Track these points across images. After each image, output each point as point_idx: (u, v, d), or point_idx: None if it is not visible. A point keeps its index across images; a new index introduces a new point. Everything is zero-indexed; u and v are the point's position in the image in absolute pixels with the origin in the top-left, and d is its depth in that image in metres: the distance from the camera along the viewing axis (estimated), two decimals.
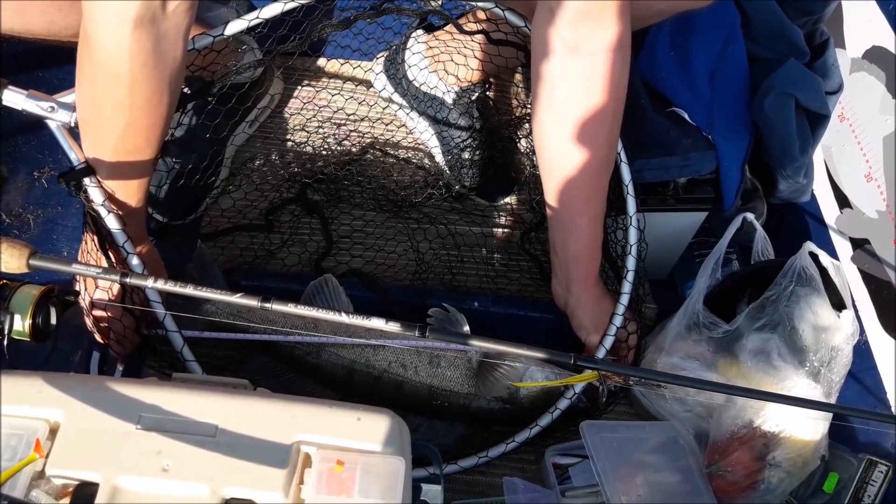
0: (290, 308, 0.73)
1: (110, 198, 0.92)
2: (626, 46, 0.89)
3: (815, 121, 1.13)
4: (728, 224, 1.08)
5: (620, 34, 0.87)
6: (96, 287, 0.97)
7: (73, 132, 0.91)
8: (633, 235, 1.07)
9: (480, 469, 1.06)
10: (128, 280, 0.72)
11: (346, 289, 1.11)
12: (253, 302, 0.72)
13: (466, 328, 1.10)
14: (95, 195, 0.90)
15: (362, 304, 1.11)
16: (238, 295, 0.72)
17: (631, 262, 1.07)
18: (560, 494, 1.02)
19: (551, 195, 1.02)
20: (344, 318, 0.75)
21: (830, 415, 1.01)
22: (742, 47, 1.10)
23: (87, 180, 0.90)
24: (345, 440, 0.71)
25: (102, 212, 0.90)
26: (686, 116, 1.10)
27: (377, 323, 0.75)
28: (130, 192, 0.93)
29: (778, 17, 1.11)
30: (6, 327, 0.76)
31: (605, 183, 1.01)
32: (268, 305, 0.72)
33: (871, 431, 1.04)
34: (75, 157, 0.91)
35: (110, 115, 0.86)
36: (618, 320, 1.07)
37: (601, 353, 1.07)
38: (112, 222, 0.91)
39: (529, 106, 1.26)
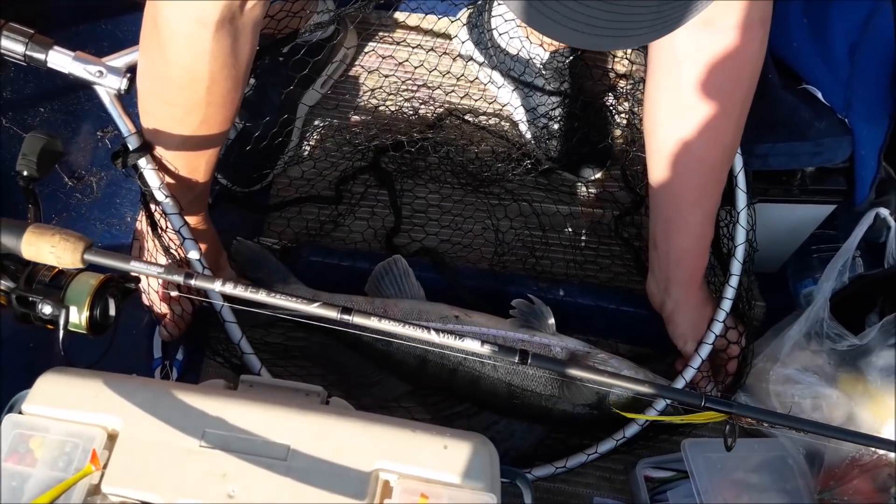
0: (373, 322, 0.64)
1: (171, 175, 0.85)
2: (768, 22, 0.76)
3: None
4: (857, 219, 0.95)
5: (764, 7, 0.73)
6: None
7: (123, 99, 0.83)
8: (740, 234, 0.94)
9: (563, 477, 0.98)
10: (192, 282, 0.64)
11: (416, 269, 1.04)
12: (332, 313, 0.63)
13: (551, 321, 1.00)
14: (151, 178, 0.83)
15: (433, 288, 1.04)
16: (316, 304, 0.63)
17: (736, 266, 0.95)
18: None
19: (659, 184, 0.91)
20: (433, 336, 0.66)
21: None
22: (889, 17, 0.93)
23: (142, 162, 0.82)
24: (429, 470, 0.64)
25: (159, 195, 0.83)
26: (819, 96, 0.95)
27: (471, 345, 0.66)
28: (196, 177, 0.87)
29: None
30: (62, 321, 0.69)
31: (724, 176, 0.89)
32: (348, 318, 0.64)
33: None
34: (126, 128, 0.83)
35: (185, 115, 0.81)
36: (717, 328, 0.96)
37: (696, 363, 0.96)
38: (169, 207, 0.84)
39: (634, 75, 1.13)
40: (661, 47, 0.80)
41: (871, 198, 0.97)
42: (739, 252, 0.94)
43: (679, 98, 0.82)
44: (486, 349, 0.65)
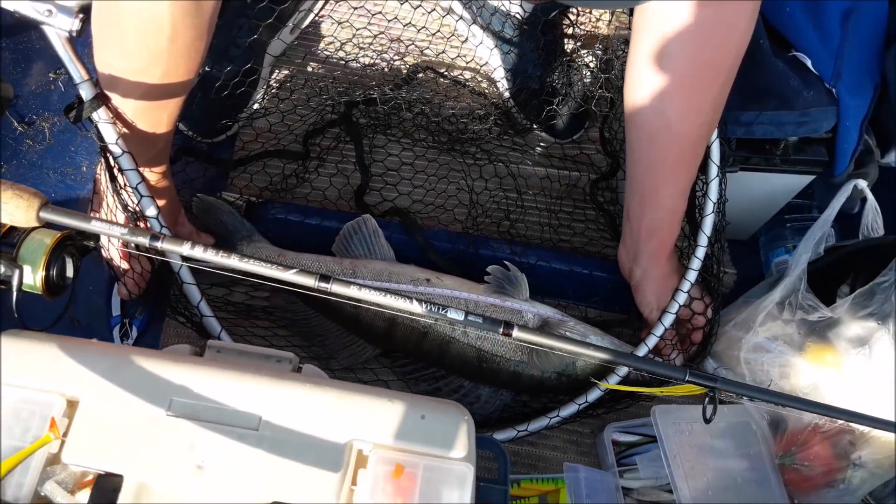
0: (353, 291, 0.61)
1: (131, 129, 0.80)
2: None
3: None
4: (835, 190, 0.95)
5: None
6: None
7: (77, 42, 0.77)
8: (708, 206, 0.93)
9: (531, 440, 0.98)
10: (158, 244, 0.60)
11: (386, 231, 1.01)
12: (308, 281, 0.60)
13: (525, 287, 0.99)
14: (108, 132, 0.78)
15: (403, 249, 1.02)
16: (292, 271, 0.60)
17: (703, 238, 0.94)
18: (618, 475, 0.93)
19: (635, 157, 0.89)
20: (415, 306, 0.63)
21: None
22: None
23: (96, 115, 0.77)
24: (406, 441, 0.62)
25: (116, 150, 0.78)
26: (809, 64, 0.93)
27: (455, 315, 0.64)
28: (158, 131, 0.82)
29: None
30: (15, 281, 0.65)
31: (701, 151, 0.87)
32: (326, 286, 0.61)
33: None
34: (79, 75, 0.77)
35: (145, 67, 0.75)
36: (681, 298, 0.95)
37: (659, 332, 0.96)
38: (126, 162, 0.79)
39: (620, 36, 1.10)
40: (648, 14, 0.77)
41: (850, 169, 0.97)
42: (707, 224, 0.93)
43: (661, 69, 0.79)
44: (470, 320, 0.63)
